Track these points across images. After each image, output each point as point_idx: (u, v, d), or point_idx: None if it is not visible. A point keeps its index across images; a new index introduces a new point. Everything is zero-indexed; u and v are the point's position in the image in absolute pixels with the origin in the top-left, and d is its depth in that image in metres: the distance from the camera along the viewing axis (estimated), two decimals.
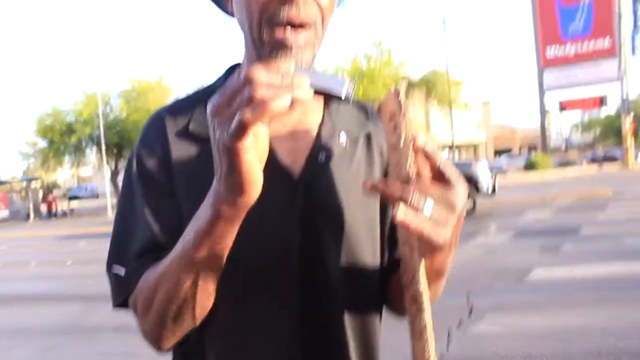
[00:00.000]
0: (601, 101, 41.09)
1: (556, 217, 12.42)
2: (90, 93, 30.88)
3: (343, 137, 0.90)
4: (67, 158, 33.81)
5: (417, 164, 0.71)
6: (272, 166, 0.76)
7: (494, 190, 14.21)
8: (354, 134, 0.93)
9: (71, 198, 47.01)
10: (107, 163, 31.27)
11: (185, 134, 0.86)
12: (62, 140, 31.09)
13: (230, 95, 0.59)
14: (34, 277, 10.40)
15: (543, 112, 43.05)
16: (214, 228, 0.69)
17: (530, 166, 33.81)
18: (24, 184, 36.44)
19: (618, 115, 40.44)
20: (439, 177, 0.70)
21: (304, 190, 0.84)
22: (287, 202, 0.83)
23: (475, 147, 54.82)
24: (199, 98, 0.89)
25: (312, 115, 0.91)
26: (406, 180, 0.69)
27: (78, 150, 32.86)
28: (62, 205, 35.20)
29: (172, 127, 0.87)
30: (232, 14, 0.88)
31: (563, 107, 42.83)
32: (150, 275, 0.79)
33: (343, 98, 0.76)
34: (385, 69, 26.50)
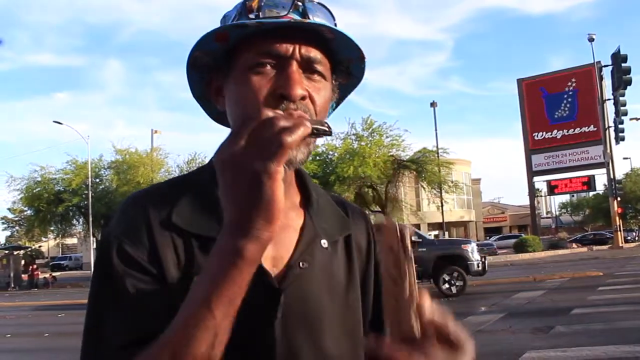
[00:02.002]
0: (588, 183, 41.74)
1: (547, 298, 12.28)
2: (81, 163, 31.05)
3: (324, 242, 0.92)
4: (52, 227, 33.46)
5: (421, 322, 0.69)
6: (256, 273, 0.74)
7: (484, 269, 14.11)
8: (335, 236, 0.95)
9: (54, 267, 46.14)
10: (94, 234, 30.92)
11: (168, 225, 0.84)
12: (48, 209, 30.91)
13: (253, 136, 0.65)
14: (8, 349, 10.01)
15: (532, 194, 43.63)
16: (238, 274, 0.67)
17: (520, 247, 33.80)
18: (6, 251, 35.79)
19: (606, 196, 40.97)
20: (446, 338, 0.69)
21: (284, 298, 0.84)
22: (267, 310, 0.83)
23: (465, 226, 54.95)
24: (177, 188, 0.89)
25: (293, 219, 0.93)
26: (410, 340, 0.67)
27: (64, 220, 32.69)
28: (44, 275, 34.46)
29: (155, 216, 0.84)
30: (215, 116, 0.99)
31: (553, 189, 43.43)
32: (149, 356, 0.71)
33: (327, 130, 0.75)
34: (376, 148, 26.92)
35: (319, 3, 0.88)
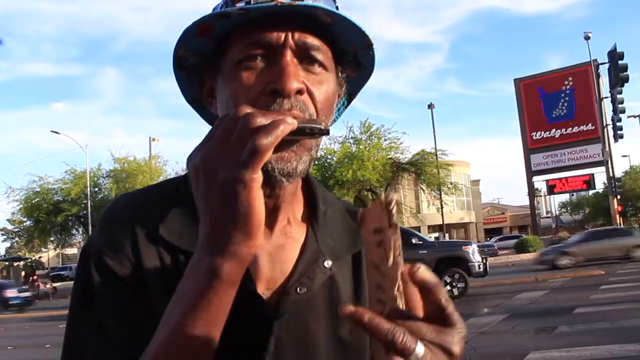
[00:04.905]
0: (588, 182, 41.72)
1: (550, 298, 12.23)
2: (79, 172, 30.96)
3: (328, 263, 0.80)
4: (52, 237, 33.36)
5: (407, 295, 0.58)
6: (245, 298, 0.69)
7: (485, 271, 14.07)
8: (342, 255, 0.84)
9: (54, 278, 46.04)
10: None
11: (155, 237, 0.75)
12: (48, 219, 30.79)
13: (224, 136, 0.57)
14: None
15: (532, 194, 43.58)
16: (214, 296, 0.59)
17: (521, 247, 33.74)
18: (6, 263, 35.72)
19: (606, 194, 40.94)
20: (435, 314, 0.57)
21: (277, 328, 0.75)
22: (258, 341, 0.74)
23: (465, 228, 54.91)
24: (164, 197, 0.79)
25: (293, 235, 0.82)
26: (394, 314, 0.56)
27: (64, 230, 32.61)
28: (44, 285, 34.36)
29: (140, 228, 0.75)
30: (212, 121, 0.86)
31: (552, 188, 43.41)
32: None
33: (323, 129, 0.66)
34: (375, 152, 26.90)
35: None
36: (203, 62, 0.81)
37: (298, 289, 0.77)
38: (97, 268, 0.74)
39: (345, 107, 0.92)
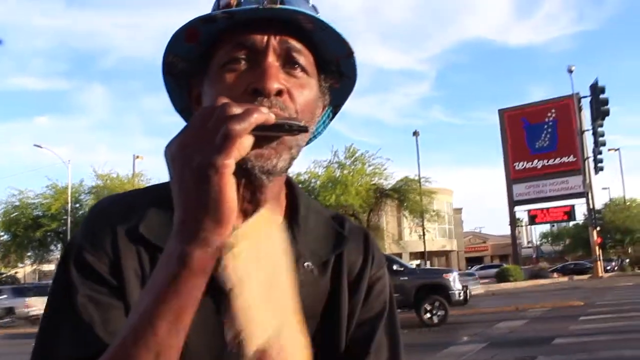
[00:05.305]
0: (569, 213, 42.18)
1: (529, 327, 12.22)
2: (61, 187, 30.61)
3: (308, 264, 0.82)
4: (30, 253, 32.80)
5: None
6: (222, 298, 0.70)
7: (465, 299, 14.06)
8: (323, 256, 0.85)
9: None
10: None
11: (135, 235, 0.76)
12: (26, 234, 30.29)
13: (200, 124, 0.59)
14: None
15: (513, 224, 43.96)
16: (183, 284, 0.59)
17: (502, 276, 33.86)
18: None
19: (586, 226, 41.36)
20: None
21: None
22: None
23: (447, 256, 55.00)
24: (148, 198, 0.81)
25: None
26: None
27: (42, 246, 32.02)
28: None
29: (121, 226, 0.77)
30: None
31: (533, 219, 43.80)
32: None
33: (302, 125, 0.66)
34: (359, 177, 26.99)
35: None
36: (192, 68, 0.82)
37: None
38: (76, 263, 0.75)
39: (331, 120, 0.93)
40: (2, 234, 32.59)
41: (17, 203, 30.73)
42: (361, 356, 0.84)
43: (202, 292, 0.61)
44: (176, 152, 0.59)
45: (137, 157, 37.01)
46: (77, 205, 31.55)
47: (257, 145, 0.61)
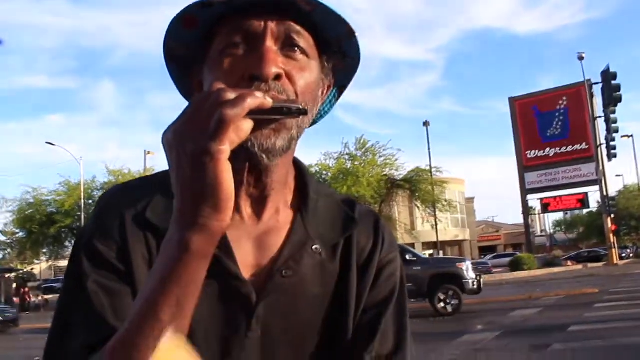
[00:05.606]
0: (582, 201, 41.86)
1: (543, 316, 12.19)
2: (74, 184, 30.87)
3: (317, 247, 0.82)
4: (45, 249, 33.15)
5: None
6: (231, 282, 0.73)
7: (479, 288, 14.03)
8: (333, 240, 0.85)
9: (46, 290, 45.68)
10: None
11: (142, 220, 0.78)
12: (41, 230, 30.61)
13: (195, 110, 0.59)
14: None
15: (526, 213, 43.64)
16: (184, 269, 0.59)
17: (515, 265, 33.74)
18: None
19: (600, 213, 41.05)
20: None
21: (263, 311, 0.77)
22: (243, 324, 0.77)
23: (459, 245, 54.87)
24: (154, 184, 0.82)
25: (282, 226, 0.83)
26: None
27: (57, 242, 32.35)
28: (36, 297, 34.07)
29: (129, 212, 0.79)
30: None
31: (546, 207, 43.53)
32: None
33: (302, 108, 0.67)
34: (370, 168, 26.95)
35: None
36: (193, 54, 0.82)
37: (284, 272, 0.79)
38: (87, 251, 0.76)
39: (337, 99, 0.93)
40: (18, 231, 33.01)
41: (32, 200, 31.07)
42: (367, 342, 0.84)
43: (203, 277, 0.61)
44: (172, 139, 0.59)
45: (148, 152, 37.19)
46: (90, 201, 31.80)
47: (256, 127, 0.62)
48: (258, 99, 0.59)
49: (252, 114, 0.59)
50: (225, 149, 0.57)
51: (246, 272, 0.78)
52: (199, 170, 0.57)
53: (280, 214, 0.84)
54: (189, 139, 0.57)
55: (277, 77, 0.73)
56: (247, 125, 0.59)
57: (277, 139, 0.74)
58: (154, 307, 0.59)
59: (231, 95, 0.58)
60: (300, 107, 0.67)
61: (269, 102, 0.61)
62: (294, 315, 0.80)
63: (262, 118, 0.62)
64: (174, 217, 0.61)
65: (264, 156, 0.74)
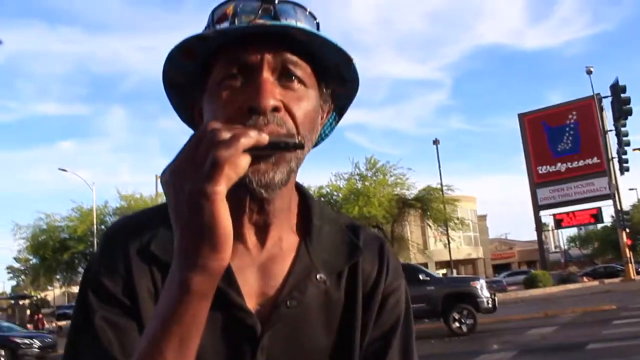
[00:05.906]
0: (596, 215, 41.47)
1: (561, 334, 12.00)
2: (86, 210, 31.03)
3: (321, 276, 0.82)
4: (58, 275, 33.25)
5: None
6: (235, 313, 0.74)
7: (494, 307, 13.86)
8: (337, 267, 0.84)
9: (60, 316, 45.71)
10: None
11: (147, 254, 0.79)
12: (54, 257, 30.73)
13: (190, 150, 0.59)
14: None
15: (539, 229, 43.28)
16: (185, 310, 0.60)
17: (530, 283, 33.35)
18: (12, 301, 35.56)
19: (614, 228, 40.58)
20: None
21: (268, 342, 0.77)
22: (249, 355, 0.77)
23: (473, 263, 54.38)
24: (158, 216, 0.81)
25: (286, 254, 0.83)
26: None
27: (70, 268, 32.43)
28: (50, 324, 34.09)
29: (134, 246, 0.79)
30: None
31: (560, 223, 43.14)
32: None
33: (298, 142, 0.67)
34: (380, 188, 26.92)
35: (295, 3, 0.78)
36: (192, 83, 0.82)
37: (288, 302, 0.79)
38: (93, 286, 0.77)
39: (337, 122, 0.93)
40: (31, 257, 33.15)
41: (45, 227, 31.24)
42: None
43: (205, 316, 0.62)
44: (169, 179, 0.60)
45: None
46: (103, 226, 31.94)
47: (255, 162, 0.62)
48: (252, 138, 0.59)
49: (250, 150, 0.60)
50: (220, 189, 0.57)
51: (250, 301, 0.78)
52: (196, 211, 0.57)
53: (283, 241, 0.84)
54: (185, 179, 0.58)
55: (275, 109, 0.73)
56: (245, 161, 0.59)
57: (276, 173, 0.73)
58: (157, 348, 0.60)
59: (226, 135, 0.58)
60: (297, 141, 0.67)
61: (264, 138, 0.61)
62: (298, 346, 0.80)
63: (259, 154, 0.63)
64: (175, 257, 0.61)
65: (263, 191, 0.74)
